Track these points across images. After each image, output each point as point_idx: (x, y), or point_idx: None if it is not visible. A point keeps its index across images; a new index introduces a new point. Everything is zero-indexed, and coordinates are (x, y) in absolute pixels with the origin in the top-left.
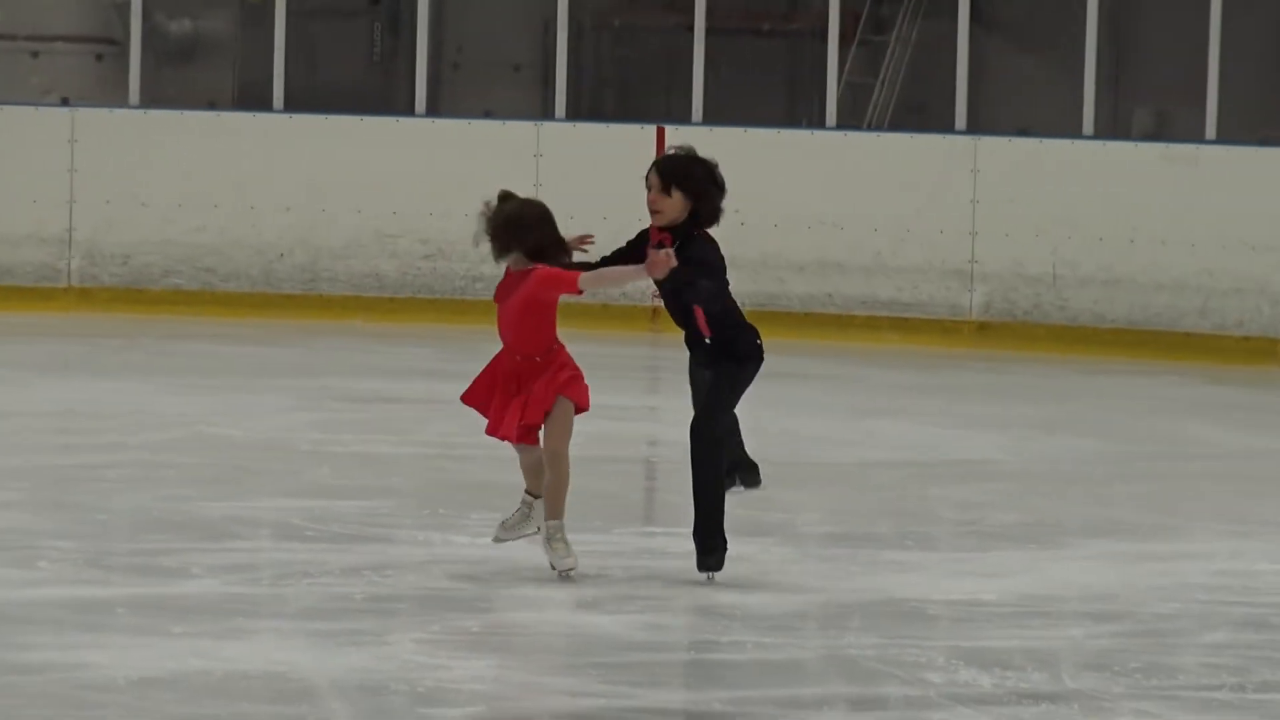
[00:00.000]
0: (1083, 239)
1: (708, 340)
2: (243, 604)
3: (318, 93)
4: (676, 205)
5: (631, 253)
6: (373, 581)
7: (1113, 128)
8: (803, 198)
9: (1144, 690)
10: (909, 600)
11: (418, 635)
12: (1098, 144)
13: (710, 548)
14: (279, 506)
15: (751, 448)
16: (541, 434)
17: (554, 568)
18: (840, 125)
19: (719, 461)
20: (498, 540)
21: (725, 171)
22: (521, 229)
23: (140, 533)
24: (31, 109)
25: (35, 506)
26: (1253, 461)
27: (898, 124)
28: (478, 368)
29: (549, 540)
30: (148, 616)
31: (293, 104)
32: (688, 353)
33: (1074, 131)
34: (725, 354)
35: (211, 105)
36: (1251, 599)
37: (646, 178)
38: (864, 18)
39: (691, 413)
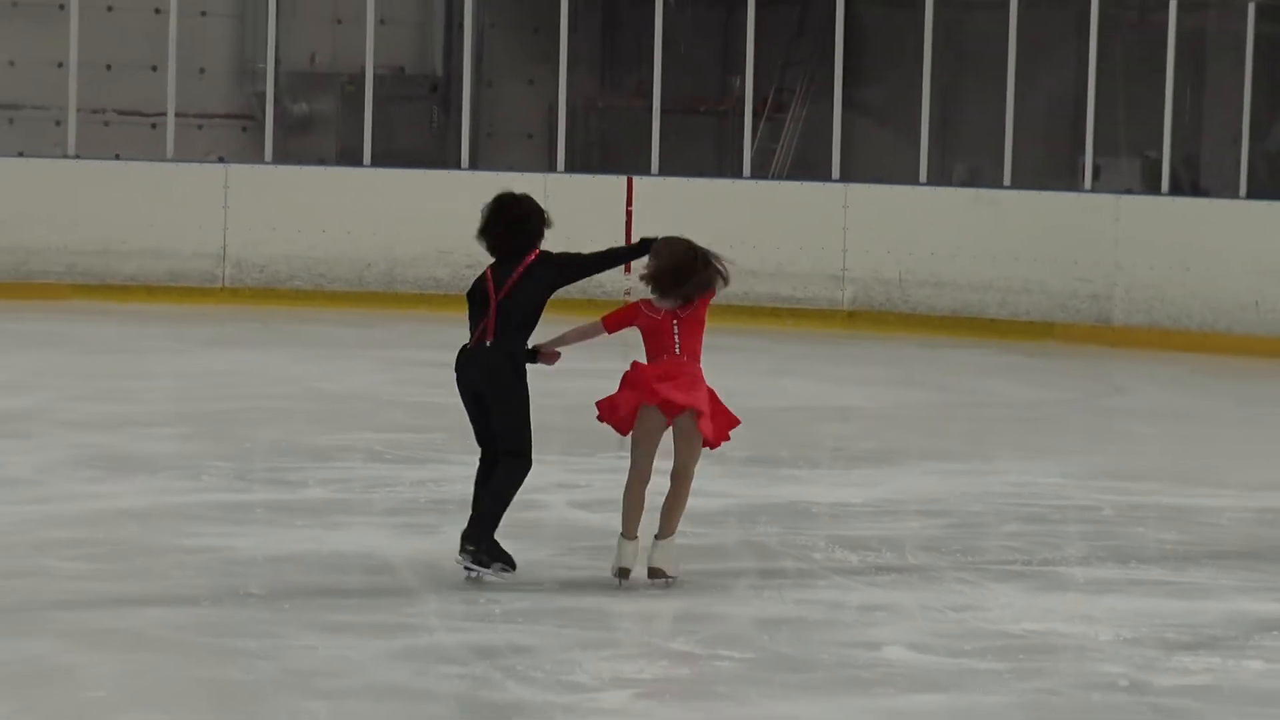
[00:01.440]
0: (920, 254)
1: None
2: (342, 506)
3: (394, 153)
4: None
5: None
6: (432, 490)
7: (940, 178)
8: (728, 225)
9: (962, 565)
10: (801, 502)
11: (462, 527)
12: (929, 189)
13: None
14: (367, 438)
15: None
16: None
17: (665, 575)
18: (753, 175)
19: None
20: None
21: (678, 209)
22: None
23: (272, 456)
24: (199, 165)
25: (199, 438)
26: (1036, 408)
27: (792, 175)
28: None
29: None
30: (277, 513)
31: (377, 161)
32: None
33: (913, 180)
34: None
35: (321, 161)
36: (1034, 502)
37: None
38: (769, 101)
39: None
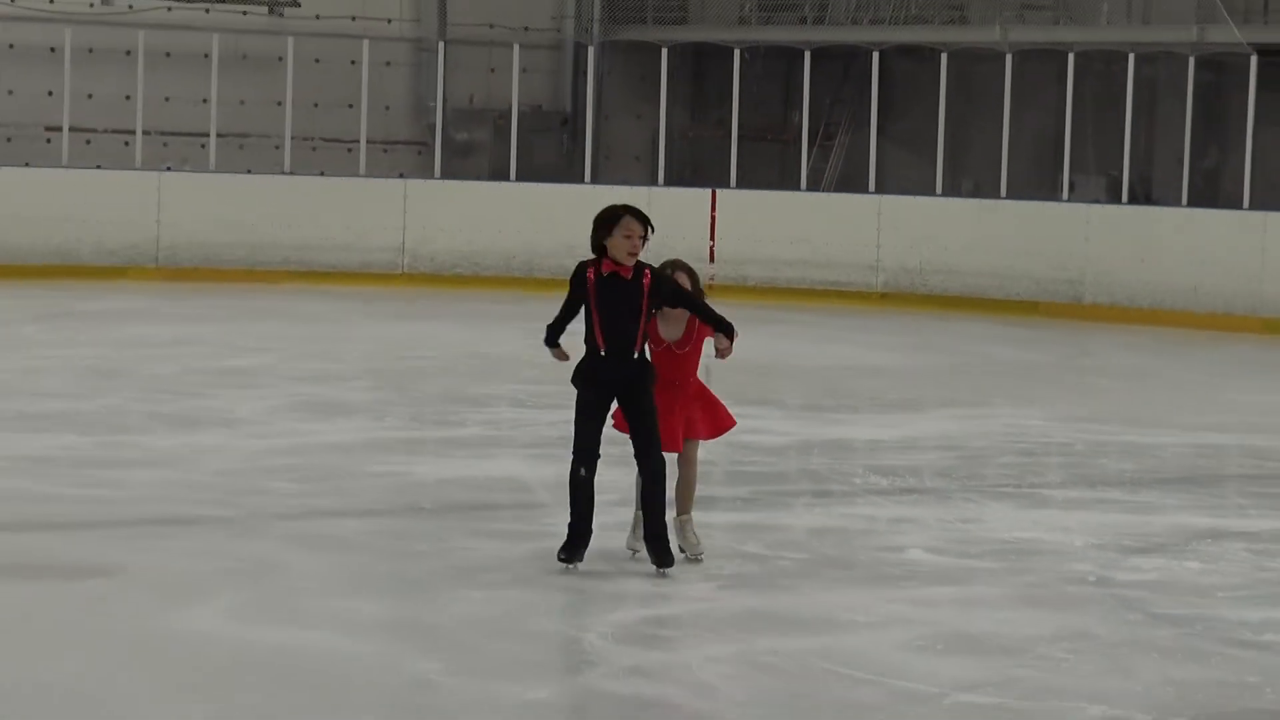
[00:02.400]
0: (937, 249)
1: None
2: (493, 441)
3: (533, 171)
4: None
5: (574, 300)
6: (562, 429)
7: (951, 190)
8: (788, 227)
9: (968, 487)
10: (843, 439)
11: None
12: (944, 199)
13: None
14: (512, 389)
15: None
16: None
17: (686, 554)
18: (808, 188)
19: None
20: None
21: (750, 215)
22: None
23: (439, 403)
24: (384, 180)
25: (384, 389)
26: (1025, 367)
27: (839, 188)
28: None
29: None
30: (443, 446)
31: (520, 177)
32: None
33: (931, 192)
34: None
35: (478, 178)
36: (1023, 439)
37: (625, 226)
38: (820, 132)
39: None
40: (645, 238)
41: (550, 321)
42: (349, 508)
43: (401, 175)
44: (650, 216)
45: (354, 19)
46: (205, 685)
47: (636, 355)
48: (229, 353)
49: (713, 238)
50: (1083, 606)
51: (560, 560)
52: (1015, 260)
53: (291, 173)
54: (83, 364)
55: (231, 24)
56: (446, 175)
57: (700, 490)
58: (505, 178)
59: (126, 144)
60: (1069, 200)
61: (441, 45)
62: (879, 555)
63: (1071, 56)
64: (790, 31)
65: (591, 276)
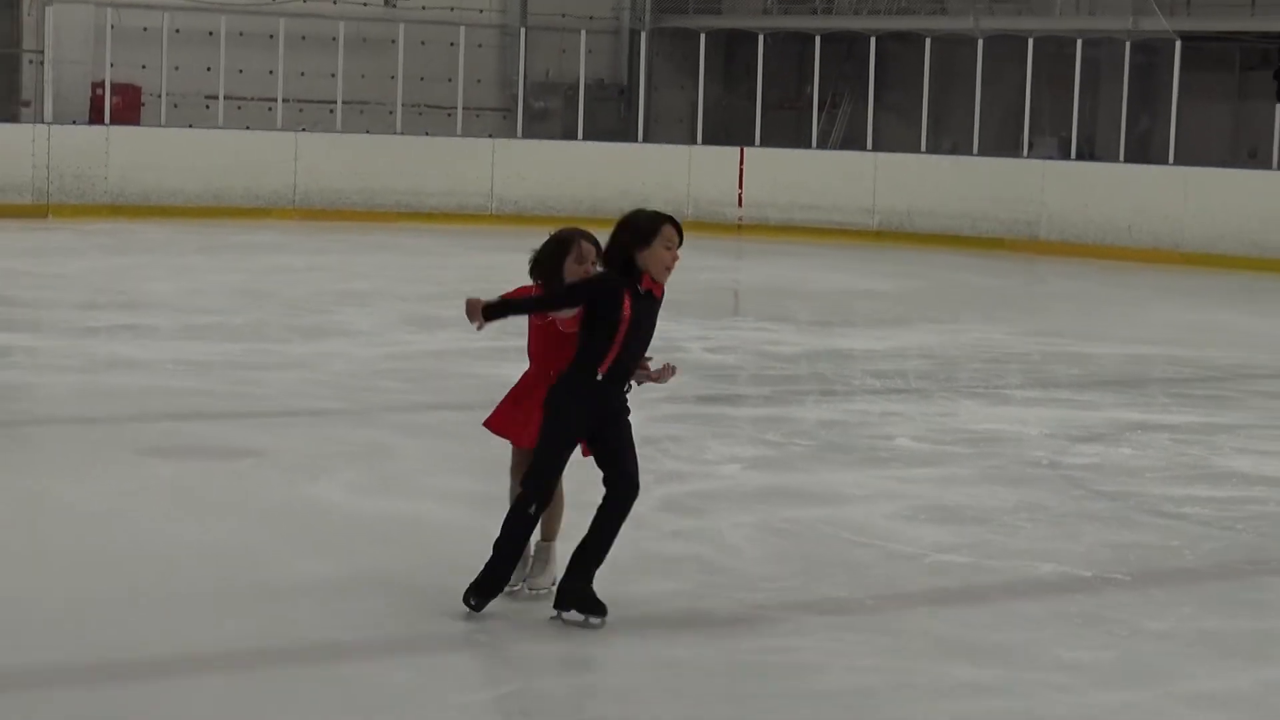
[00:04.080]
0: (921, 195)
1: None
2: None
3: (597, 132)
4: None
5: (592, 290)
6: None
7: (935, 149)
8: (801, 179)
9: (945, 388)
10: (845, 349)
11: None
12: (928, 156)
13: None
14: None
15: (776, 287)
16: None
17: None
18: (818, 147)
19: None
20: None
21: (771, 168)
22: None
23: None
24: (475, 140)
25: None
26: (992, 291)
27: (843, 147)
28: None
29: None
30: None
31: (586, 137)
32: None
33: (916, 150)
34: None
35: (552, 137)
36: (990, 350)
37: (666, 236)
38: (828, 101)
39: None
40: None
41: (507, 296)
42: (444, 402)
43: (490, 135)
44: (692, 174)
45: (452, 9)
46: (328, 544)
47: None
48: (350, 277)
49: (740, 186)
50: (1037, 484)
51: (468, 605)
52: (985, 205)
53: (402, 133)
54: (234, 286)
55: (354, 14)
56: (526, 135)
57: (728, 389)
58: (574, 137)
59: (270, 109)
60: (1028, 157)
61: (523, 31)
62: (873, 442)
63: (1030, 41)
64: (803, 20)
65: (629, 300)
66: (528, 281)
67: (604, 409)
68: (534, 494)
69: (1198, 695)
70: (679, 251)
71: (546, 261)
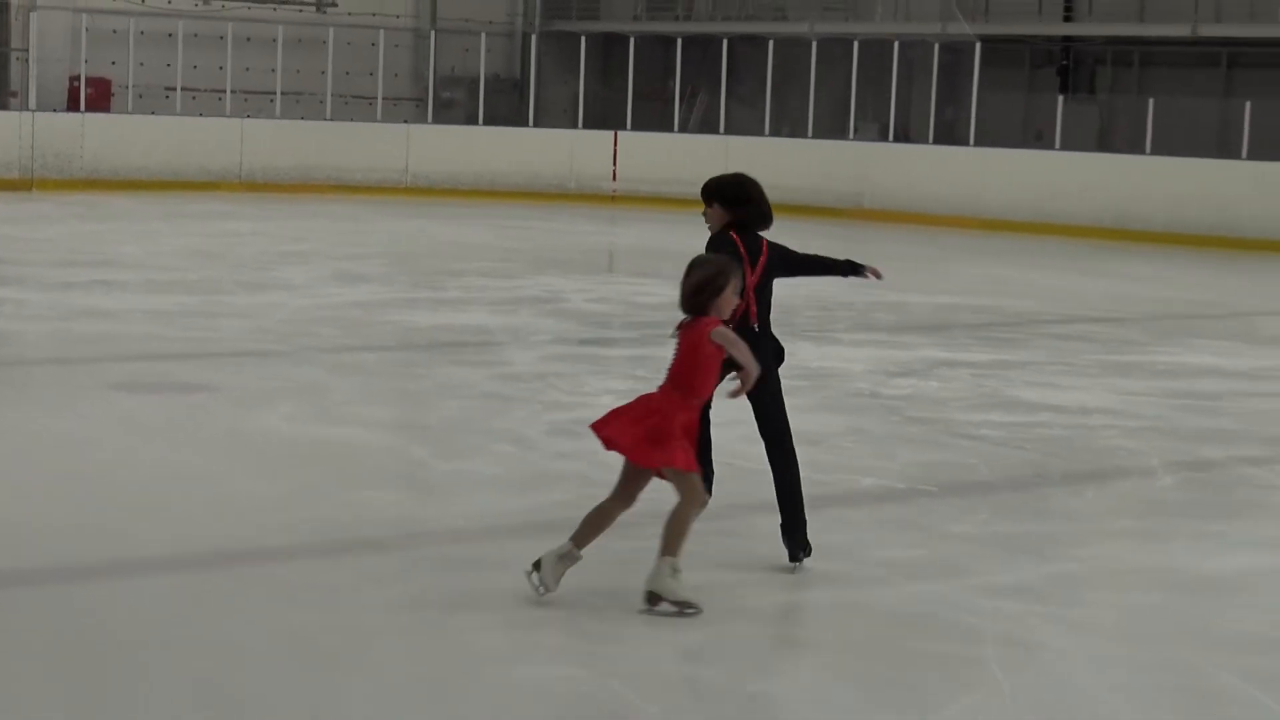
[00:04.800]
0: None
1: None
2: (467, 300)
3: (495, 119)
4: (717, 215)
5: None
6: (514, 291)
7: (778, 131)
8: (665, 159)
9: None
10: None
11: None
12: (773, 139)
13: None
14: (480, 265)
15: (649, 248)
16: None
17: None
18: (679, 131)
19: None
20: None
21: (642, 149)
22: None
23: (431, 275)
24: (393, 124)
25: (394, 264)
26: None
27: (700, 131)
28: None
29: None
30: (433, 305)
31: (486, 123)
32: None
33: (760, 133)
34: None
35: (457, 122)
36: (822, 298)
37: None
38: (689, 92)
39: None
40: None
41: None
42: (369, 345)
43: (405, 121)
44: (574, 154)
45: (373, 15)
46: (273, 465)
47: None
48: (288, 240)
49: (615, 164)
50: (860, 412)
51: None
52: (818, 180)
53: (331, 119)
54: (190, 248)
55: (291, 18)
56: (436, 121)
57: (604, 334)
58: (475, 123)
59: (220, 99)
60: (854, 139)
61: (433, 33)
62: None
63: (855, 43)
64: (667, 25)
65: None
66: (437, 239)
67: None
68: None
69: (992, 586)
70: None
71: (709, 289)
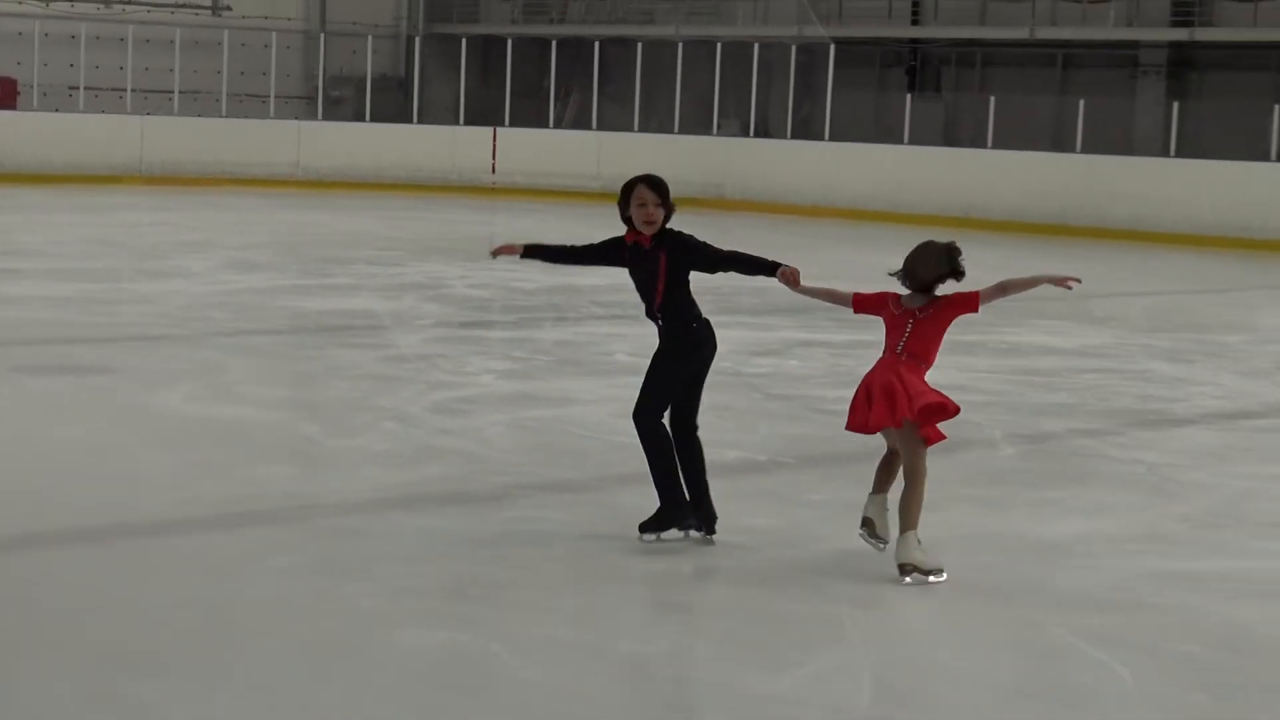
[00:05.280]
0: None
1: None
2: (355, 287)
3: (382, 115)
4: (662, 214)
5: (604, 251)
6: (399, 277)
7: (648, 129)
8: (538, 152)
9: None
10: (575, 285)
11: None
12: (646, 135)
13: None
14: (367, 253)
15: (521, 236)
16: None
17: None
18: (554, 127)
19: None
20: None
21: (520, 145)
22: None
23: (319, 262)
24: (286, 120)
25: (282, 254)
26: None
27: (573, 127)
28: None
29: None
30: (323, 291)
31: (373, 119)
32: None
33: (631, 129)
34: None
35: (345, 119)
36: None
37: (637, 196)
38: (563, 91)
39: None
40: (662, 205)
41: (557, 243)
42: (262, 329)
43: (296, 119)
44: (456, 149)
45: (266, 18)
46: (170, 441)
47: (661, 323)
48: (186, 230)
49: (494, 158)
50: (725, 389)
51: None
52: (684, 172)
53: (226, 116)
54: (93, 237)
55: (188, 21)
56: (325, 118)
57: (484, 317)
58: (363, 120)
59: (121, 97)
60: (717, 135)
61: (322, 35)
62: (598, 357)
63: (719, 45)
64: (543, 28)
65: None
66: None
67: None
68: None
69: (847, 550)
70: (651, 205)
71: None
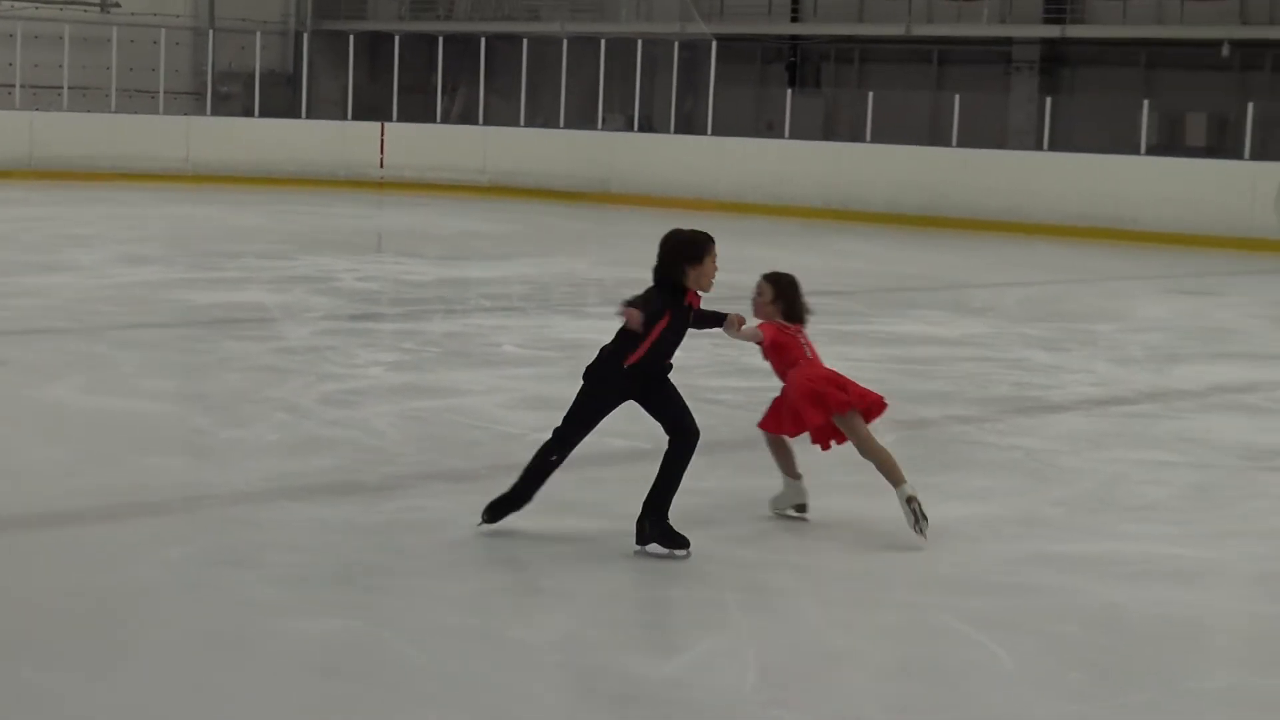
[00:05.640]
0: (522, 159)
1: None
2: (244, 280)
3: (271, 110)
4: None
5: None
6: (286, 270)
7: (534, 124)
8: (429, 147)
9: (541, 307)
10: (464, 278)
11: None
12: (530, 130)
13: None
14: (256, 247)
15: (410, 230)
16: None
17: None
18: (441, 122)
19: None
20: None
21: (408, 139)
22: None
23: (208, 256)
24: (175, 116)
25: (172, 247)
26: (575, 232)
27: (461, 122)
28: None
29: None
30: (209, 283)
31: (262, 114)
32: None
33: (517, 124)
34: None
35: (234, 114)
36: (574, 276)
37: (713, 253)
38: (450, 87)
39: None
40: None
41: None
42: (152, 322)
43: (186, 114)
44: (345, 143)
45: (154, 14)
46: (63, 431)
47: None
48: (76, 225)
49: (382, 152)
50: None
51: (483, 520)
52: (570, 166)
53: (116, 112)
54: None
55: (77, 18)
56: (215, 114)
57: (373, 309)
58: (252, 115)
59: (10, 93)
60: (602, 129)
61: (211, 32)
62: (486, 349)
63: (603, 41)
64: (430, 24)
65: (669, 316)
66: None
67: (635, 386)
68: (556, 447)
69: (733, 537)
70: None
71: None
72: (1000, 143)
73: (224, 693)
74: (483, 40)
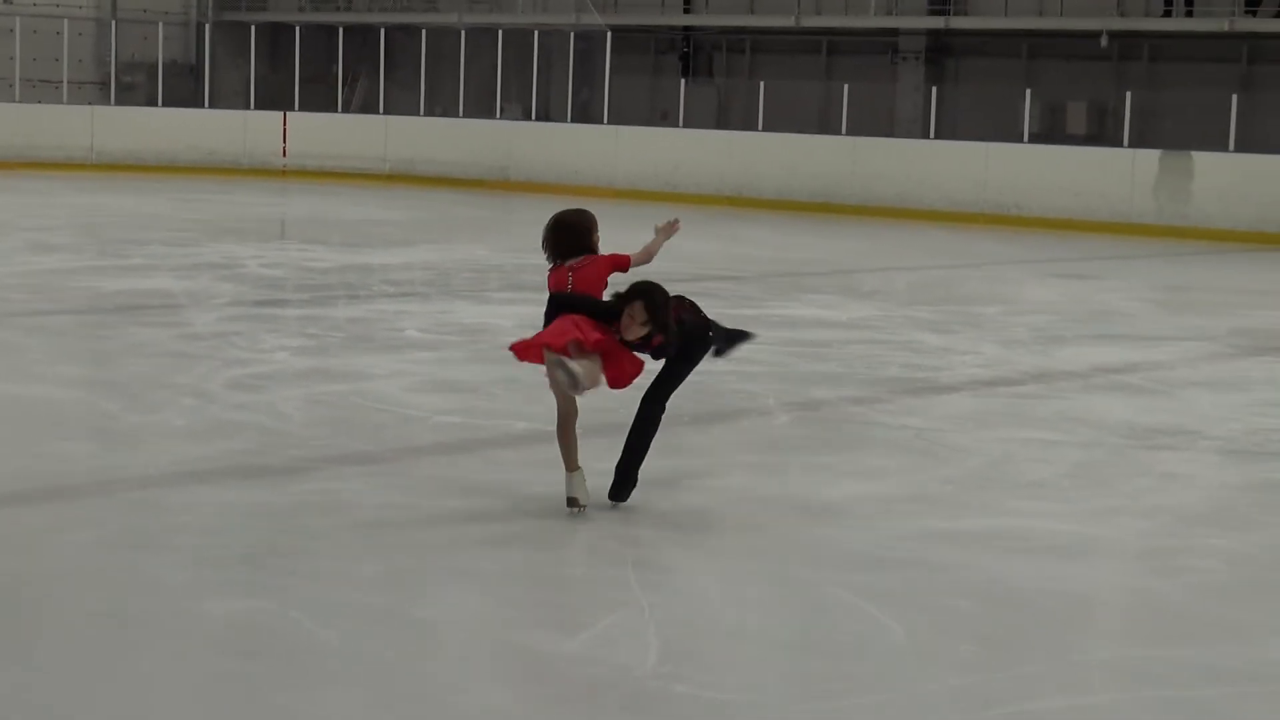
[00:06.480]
0: (422, 147)
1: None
2: (151, 267)
3: (174, 100)
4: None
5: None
6: (194, 258)
7: (433, 113)
8: (331, 136)
9: (443, 292)
10: (367, 264)
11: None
12: (426, 118)
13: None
14: (163, 235)
15: (314, 218)
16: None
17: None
18: (343, 112)
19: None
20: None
21: (311, 129)
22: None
23: (115, 244)
24: (79, 105)
25: (78, 235)
26: (477, 219)
27: (362, 112)
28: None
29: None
30: (119, 271)
31: (165, 104)
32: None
33: (417, 113)
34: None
35: (138, 104)
36: (474, 263)
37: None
38: (350, 77)
39: None
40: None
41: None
42: (60, 309)
43: (90, 104)
44: (247, 132)
45: (58, 5)
46: None
47: None
48: None
49: (285, 141)
50: (510, 363)
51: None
52: (469, 155)
53: (20, 101)
54: None
55: None
56: (118, 103)
57: (278, 295)
58: (155, 104)
59: None
60: (500, 119)
61: (114, 23)
62: (390, 334)
63: (500, 32)
64: (330, 15)
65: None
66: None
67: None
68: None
69: (633, 516)
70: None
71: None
72: (888, 131)
73: (135, 673)
74: (382, 31)
